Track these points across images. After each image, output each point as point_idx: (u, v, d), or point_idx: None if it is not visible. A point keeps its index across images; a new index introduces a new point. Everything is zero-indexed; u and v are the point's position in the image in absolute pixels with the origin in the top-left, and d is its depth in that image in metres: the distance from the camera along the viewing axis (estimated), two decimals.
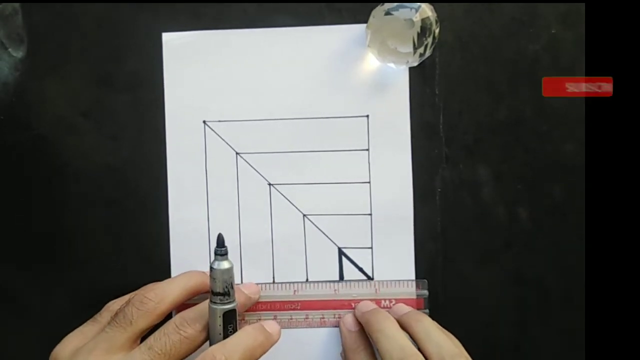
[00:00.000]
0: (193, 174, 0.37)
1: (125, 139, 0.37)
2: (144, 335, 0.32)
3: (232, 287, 0.31)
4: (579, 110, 0.37)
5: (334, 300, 0.37)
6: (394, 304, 0.36)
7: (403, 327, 0.34)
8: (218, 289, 0.31)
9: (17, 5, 0.37)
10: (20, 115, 0.37)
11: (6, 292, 0.37)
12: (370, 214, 0.37)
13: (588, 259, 0.36)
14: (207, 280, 0.33)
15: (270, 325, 0.33)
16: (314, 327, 0.37)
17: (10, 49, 0.37)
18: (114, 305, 0.34)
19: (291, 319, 0.37)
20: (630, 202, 0.35)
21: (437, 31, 0.34)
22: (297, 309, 0.37)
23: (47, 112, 0.37)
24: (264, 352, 0.32)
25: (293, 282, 0.37)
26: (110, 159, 0.37)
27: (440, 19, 0.34)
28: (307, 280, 0.37)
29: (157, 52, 0.37)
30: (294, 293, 0.37)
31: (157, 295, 0.32)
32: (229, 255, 0.31)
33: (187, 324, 0.31)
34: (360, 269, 0.37)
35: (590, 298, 0.36)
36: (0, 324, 0.37)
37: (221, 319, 0.31)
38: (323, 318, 0.37)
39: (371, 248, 0.37)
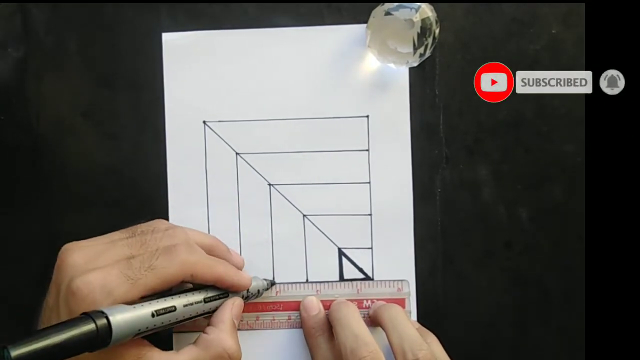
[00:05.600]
0: (193, 174, 0.37)
1: (125, 139, 0.37)
2: None
3: (226, 295, 0.33)
4: (579, 110, 0.37)
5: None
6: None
7: (375, 320, 0.34)
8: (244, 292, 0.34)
9: (17, 5, 0.37)
10: (20, 115, 0.37)
11: (6, 292, 0.37)
12: (370, 214, 0.37)
13: (588, 259, 0.36)
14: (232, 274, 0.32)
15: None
16: (295, 327, 0.36)
17: (10, 49, 0.37)
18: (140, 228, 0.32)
19: (273, 319, 0.36)
20: (631, 202, 0.35)
21: (437, 31, 0.34)
22: (279, 310, 0.37)
23: (47, 112, 0.37)
24: None
25: (276, 284, 0.37)
26: (110, 159, 0.37)
27: (440, 19, 0.34)
28: (307, 280, 0.37)
29: (157, 52, 0.37)
30: (277, 294, 0.37)
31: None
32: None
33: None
34: (360, 269, 0.37)
35: (590, 298, 0.36)
36: None
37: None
38: None
39: (371, 248, 0.37)
